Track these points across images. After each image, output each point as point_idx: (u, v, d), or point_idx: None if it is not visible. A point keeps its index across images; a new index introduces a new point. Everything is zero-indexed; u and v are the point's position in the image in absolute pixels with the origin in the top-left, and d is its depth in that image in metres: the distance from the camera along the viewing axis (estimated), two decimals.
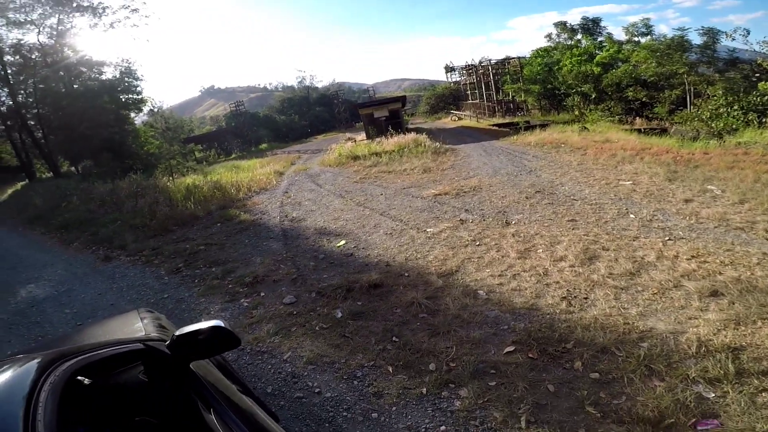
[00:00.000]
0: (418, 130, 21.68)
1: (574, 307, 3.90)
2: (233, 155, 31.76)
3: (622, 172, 8.84)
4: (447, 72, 46.40)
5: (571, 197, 7.48)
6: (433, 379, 3.06)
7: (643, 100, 17.77)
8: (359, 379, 3.25)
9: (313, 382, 3.29)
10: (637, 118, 17.38)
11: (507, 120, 24.08)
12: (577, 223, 6.18)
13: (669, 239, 5.29)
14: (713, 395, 2.57)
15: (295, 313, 4.53)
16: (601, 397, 2.71)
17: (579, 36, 24.44)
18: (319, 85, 54.75)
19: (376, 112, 22.44)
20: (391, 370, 3.28)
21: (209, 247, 7.38)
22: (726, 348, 2.96)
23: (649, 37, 18.92)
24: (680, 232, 5.48)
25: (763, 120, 10.57)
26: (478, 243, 5.81)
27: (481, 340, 3.49)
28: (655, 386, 2.70)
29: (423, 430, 2.66)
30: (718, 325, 3.28)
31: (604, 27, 24.16)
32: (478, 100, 33.97)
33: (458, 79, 44.86)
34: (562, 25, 25.93)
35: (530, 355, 3.21)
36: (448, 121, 34.81)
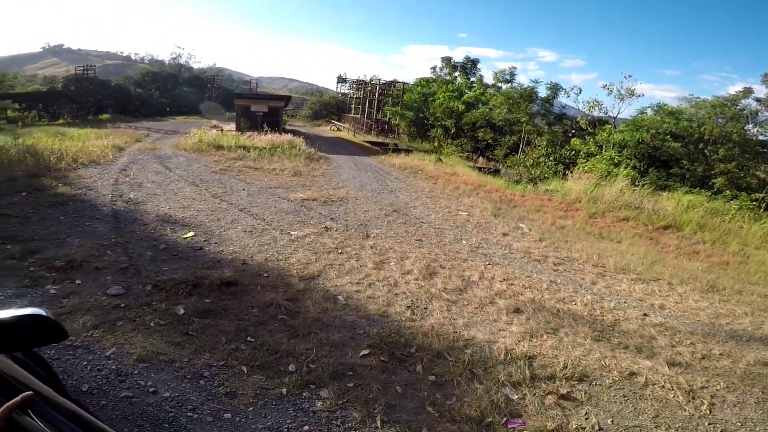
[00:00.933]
0: (295, 133, 21.31)
1: (416, 315, 4.44)
2: (61, 120, 25.42)
3: (461, 203, 10.44)
4: (338, 82, 47.07)
5: (420, 220, 8.47)
6: (294, 380, 3.07)
7: (489, 141, 21.29)
8: (207, 378, 3.03)
9: (146, 381, 2.92)
10: (481, 157, 20.74)
11: (380, 139, 25.67)
12: (422, 242, 7.03)
13: (489, 264, 6.49)
14: (516, 397, 3.25)
15: (122, 306, 3.92)
16: (438, 398, 3.14)
17: (457, 73, 27.99)
18: (196, 66, 48.54)
19: (254, 106, 21.14)
20: (245, 370, 3.16)
21: (5, 219, 5.77)
22: (524, 356, 3.79)
23: (510, 84, 22.90)
24: (497, 259, 6.78)
25: (566, 172, 13.88)
26: (340, 251, 6.06)
27: (339, 343, 3.67)
28: (476, 388, 3.26)
29: (285, 430, 2.65)
30: (518, 336, 4.18)
31: (479, 69, 28.41)
32: (359, 116, 35.16)
33: (347, 91, 45.77)
34: (446, 61, 29.29)
35: (382, 359, 3.52)
36: (327, 130, 35.12)
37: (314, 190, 9.73)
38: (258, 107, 20.91)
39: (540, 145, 15.98)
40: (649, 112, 15.44)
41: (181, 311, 3.92)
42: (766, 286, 6.90)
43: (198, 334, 3.57)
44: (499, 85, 23.64)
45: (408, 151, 19.01)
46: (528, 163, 14.87)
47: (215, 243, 5.90)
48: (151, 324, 3.66)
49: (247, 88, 58.63)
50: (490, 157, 20.74)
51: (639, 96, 14.85)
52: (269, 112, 21.00)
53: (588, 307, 5.27)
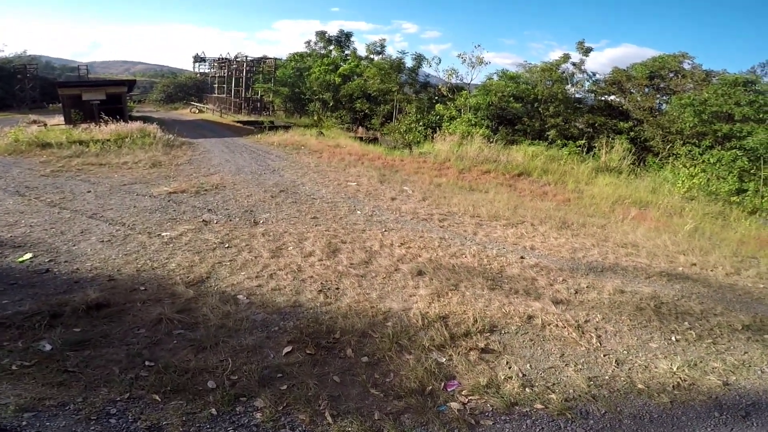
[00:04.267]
0: (146, 119, 18.07)
1: (330, 298, 4.32)
2: None
3: (349, 174, 10.42)
4: (196, 62, 42.73)
5: (312, 196, 8.19)
6: (219, 397, 2.70)
7: (366, 111, 21.56)
8: (117, 416, 2.49)
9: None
10: (360, 127, 20.93)
11: (252, 118, 23.83)
12: (318, 219, 6.84)
13: (385, 230, 6.68)
14: (444, 360, 3.40)
15: None
16: (376, 377, 3.11)
17: (332, 47, 27.11)
18: None
19: (86, 94, 17.10)
20: (158, 398, 2.65)
21: None
22: (438, 317, 4.01)
23: (381, 56, 23.18)
24: (391, 224, 7.01)
25: (434, 135, 14.97)
26: (227, 245, 5.46)
27: (256, 346, 3.33)
28: (408, 360, 3.33)
29: None
30: (428, 299, 4.41)
31: (353, 41, 28.11)
32: (225, 95, 32.51)
33: (207, 71, 42.05)
34: (321, 35, 28.17)
35: (308, 352, 3.32)
36: (186, 113, 31.61)
37: (181, 181, 8.50)
38: (92, 95, 17.09)
39: (410, 113, 16.86)
40: (495, 77, 17.70)
41: (47, 347, 3.12)
42: (600, 217, 8.65)
43: (81, 369, 2.90)
44: (371, 56, 23.89)
45: (286, 127, 17.99)
46: (401, 130, 15.57)
47: (65, 262, 4.73)
48: (14, 368, 2.86)
49: (74, 75, 47.87)
50: (368, 126, 21.12)
51: (487, 63, 16.76)
52: (109, 99, 17.42)
53: (476, 258, 5.85)
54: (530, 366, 3.44)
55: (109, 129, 13.26)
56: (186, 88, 42.78)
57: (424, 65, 19.55)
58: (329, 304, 4.18)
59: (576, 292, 5.07)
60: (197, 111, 31.74)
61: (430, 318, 4.01)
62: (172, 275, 4.52)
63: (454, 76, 17.80)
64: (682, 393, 3.20)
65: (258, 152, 12.50)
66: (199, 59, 42.45)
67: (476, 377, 3.20)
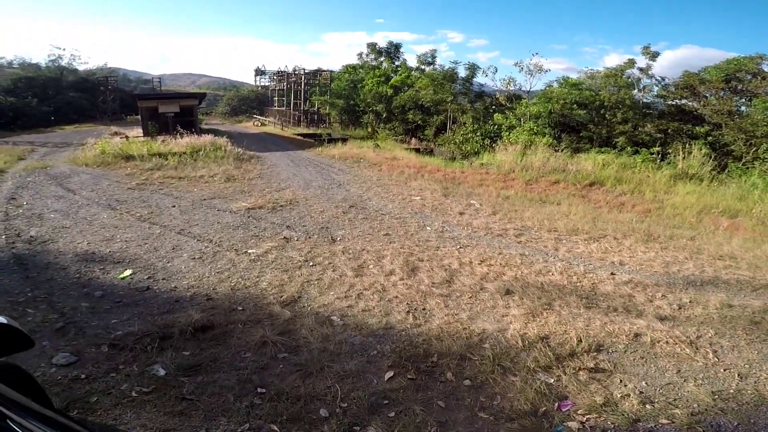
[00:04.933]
0: (215, 132, 19.29)
1: (419, 319, 4.22)
2: None
3: (411, 188, 10.38)
4: (257, 75, 44.16)
5: (380, 212, 8.21)
6: (334, 427, 2.68)
7: (419, 122, 21.58)
8: None
9: None
10: (413, 138, 20.98)
11: (311, 131, 24.52)
12: (391, 236, 6.80)
13: (460, 247, 6.50)
14: (552, 380, 3.25)
15: (83, 377, 3.14)
16: (483, 401, 3.00)
17: (382, 58, 27.69)
18: (82, 68, 40.52)
19: (162, 107, 18.45)
20: (276, 428, 2.68)
21: None
22: (539, 338, 3.82)
23: (432, 66, 23.25)
24: (465, 240, 6.83)
25: (493, 145, 14.63)
26: (311, 263, 5.56)
27: (359, 371, 3.30)
28: (514, 382, 3.20)
29: None
30: (523, 319, 4.21)
31: (402, 53, 28.60)
32: (284, 108, 33.27)
33: (267, 83, 43.40)
34: (372, 47, 28.85)
35: (409, 377, 3.25)
36: (250, 126, 32.80)
37: (256, 196, 8.87)
38: (167, 107, 18.39)
39: (466, 123, 16.60)
40: (555, 85, 17.05)
41: (162, 372, 3.23)
42: (687, 228, 7.94)
43: (198, 396, 2.97)
44: (422, 67, 23.97)
45: (344, 140, 18.41)
46: (458, 140, 15.35)
47: (163, 279, 5.02)
48: (133, 394, 2.96)
49: (148, 87, 51.87)
50: (421, 137, 21.08)
51: (546, 71, 16.19)
52: (182, 111, 18.61)
53: (564, 275, 5.52)
54: (646, 383, 3.28)
55: (184, 142, 14.18)
56: (248, 101, 44.26)
57: (478, 74, 19.26)
58: (419, 326, 4.09)
59: (679, 308, 4.76)
60: (260, 124, 32.80)
61: (530, 339, 3.85)
62: (266, 294, 4.65)
63: (511, 84, 17.40)
64: None
65: (321, 166, 12.82)
66: (259, 72, 43.93)
67: (590, 396, 3.07)
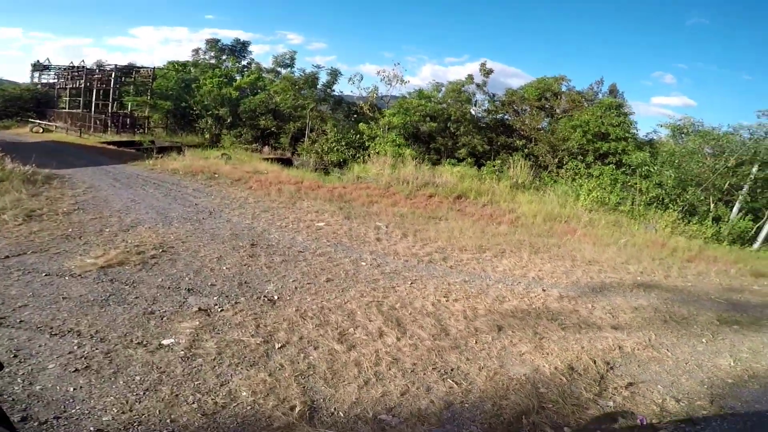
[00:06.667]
0: None
1: (462, 384, 3.69)
2: None
3: (304, 210, 9.08)
4: (35, 71, 34.30)
5: (293, 248, 6.79)
6: None
7: (272, 129, 19.08)
8: None
9: None
10: (266, 146, 18.46)
11: (125, 138, 18.60)
12: (336, 282, 5.67)
13: (411, 283, 6.00)
14: (612, 403, 3.22)
15: None
16: None
17: (225, 57, 23.10)
18: None
19: None
20: None
21: None
22: (567, 369, 3.90)
23: (289, 69, 20.74)
24: (406, 273, 6.36)
25: (357, 155, 14.35)
26: (277, 344, 3.99)
27: None
28: (591, 414, 3.44)
29: None
30: (537, 354, 4.27)
31: (250, 51, 24.69)
32: (80, 111, 25.37)
33: (53, 81, 34.29)
34: (212, 43, 23.90)
35: None
36: (26, 132, 23.90)
37: (100, 244, 5.92)
38: None
39: (329, 131, 15.79)
40: (407, 95, 18.21)
41: None
42: (547, 236, 9.62)
43: None
44: (279, 69, 21.44)
45: (177, 149, 14.57)
46: (321, 150, 14.47)
47: (46, 423, 2.66)
48: None
49: None
50: (275, 145, 18.87)
51: (406, 82, 17.10)
52: None
53: (517, 298, 5.85)
54: (663, 387, 3.73)
55: None
56: (20, 102, 32.59)
57: (340, 81, 18.65)
58: (469, 390, 3.62)
59: (612, 316, 5.72)
60: (41, 130, 24.51)
61: (562, 371, 4.01)
62: (267, 412, 3.02)
63: (375, 93, 17.62)
64: None
65: (165, 185, 9.72)
66: (40, 67, 33.70)
67: (648, 406, 3.61)
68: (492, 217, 10.70)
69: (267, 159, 14.80)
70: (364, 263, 6.53)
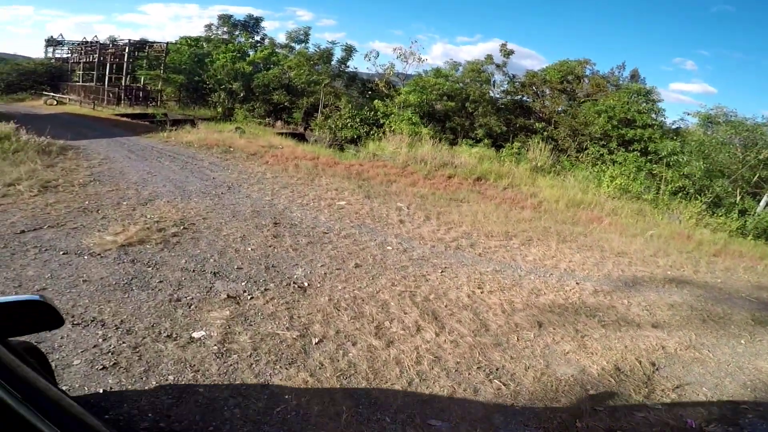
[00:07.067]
0: None
1: (510, 385, 3.49)
2: None
3: (323, 188, 8.76)
4: (49, 46, 35.62)
5: (317, 228, 6.51)
6: None
7: (286, 104, 18.55)
8: None
9: None
10: (279, 121, 17.96)
11: (138, 111, 18.27)
12: (365, 268, 5.42)
13: (441, 271, 5.75)
14: (660, 406, 3.05)
15: None
16: None
17: (238, 32, 22.43)
18: None
19: None
20: None
21: None
22: (614, 369, 3.69)
23: (304, 44, 20.04)
24: (435, 260, 6.10)
25: (371, 132, 13.92)
26: (313, 339, 3.77)
27: None
28: (644, 417, 3.27)
29: None
30: (581, 353, 4.15)
31: (263, 27, 24.27)
32: (94, 84, 25.64)
33: (66, 55, 35.52)
34: (225, 19, 23.33)
35: None
36: (40, 105, 23.76)
37: (118, 219, 5.65)
38: None
39: (343, 107, 15.23)
40: (423, 74, 17.65)
41: None
42: (572, 224, 9.29)
43: None
44: (292, 45, 20.65)
45: (191, 122, 14.07)
46: (335, 125, 13.99)
47: None
48: None
49: None
50: (288, 120, 18.34)
51: (424, 60, 16.54)
52: None
53: (554, 292, 5.62)
54: (707, 389, 3.83)
55: None
56: (36, 76, 32.81)
57: (355, 57, 17.98)
58: (518, 392, 3.47)
59: (649, 313, 5.49)
60: (54, 103, 24.32)
61: (609, 372, 3.90)
62: (312, 418, 2.82)
63: (392, 71, 16.99)
64: None
65: (181, 158, 9.33)
66: (54, 43, 34.56)
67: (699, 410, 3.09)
68: (514, 201, 10.36)
69: (280, 133, 14.29)
70: (390, 247, 6.27)
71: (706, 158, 11.58)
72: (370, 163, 11.26)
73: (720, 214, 11.02)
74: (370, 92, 17.87)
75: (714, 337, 5.02)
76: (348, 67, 18.26)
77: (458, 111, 16.52)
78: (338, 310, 4.30)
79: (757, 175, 11.52)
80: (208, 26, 23.65)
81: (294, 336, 3.75)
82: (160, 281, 4.31)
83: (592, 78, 16.87)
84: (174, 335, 3.51)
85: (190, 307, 3.96)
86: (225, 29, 22.64)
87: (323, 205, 7.63)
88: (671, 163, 12.32)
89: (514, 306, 5.05)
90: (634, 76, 17.80)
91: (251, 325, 3.82)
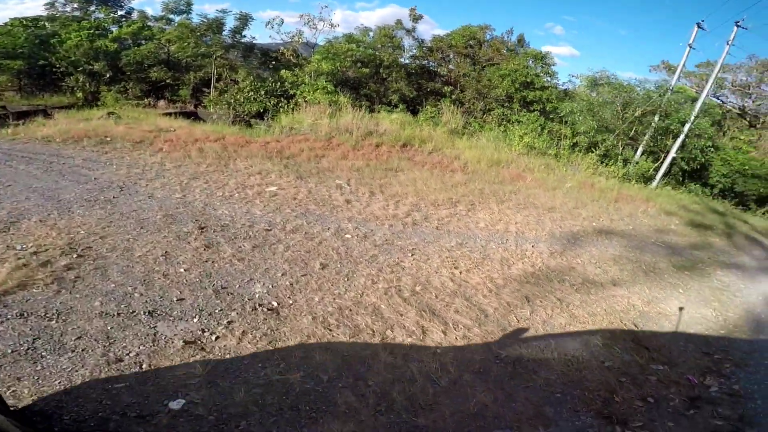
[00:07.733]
0: None
1: (540, 376, 3.30)
2: None
3: (243, 173, 7.44)
4: None
5: (256, 226, 5.45)
6: None
7: (167, 81, 15.20)
8: None
9: None
10: (161, 100, 14.63)
11: None
12: (333, 268, 4.69)
13: (411, 254, 5.38)
14: (662, 367, 3.29)
15: None
16: None
17: (93, 7, 16.78)
18: None
19: None
20: None
21: None
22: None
23: (186, 15, 16.05)
24: (400, 242, 5.68)
25: (280, 105, 12.36)
26: (326, 377, 3.04)
27: None
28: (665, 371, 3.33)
29: None
30: (577, 324, 4.25)
31: (129, 0, 18.58)
32: None
33: None
34: None
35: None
36: None
37: None
38: None
39: (243, 80, 13.04)
40: (332, 40, 16.19)
41: None
42: (499, 183, 9.62)
43: None
44: (171, 17, 16.50)
45: (43, 112, 10.47)
46: (236, 100, 12.00)
47: None
48: None
49: None
50: (172, 99, 15.12)
51: (336, 26, 15.05)
52: None
53: (518, 260, 5.77)
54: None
55: None
56: None
57: (253, 25, 15.41)
58: (548, 380, 3.41)
59: (602, 270, 5.91)
60: None
61: (607, 339, 4.17)
62: None
63: (300, 38, 15.07)
64: None
65: (41, 158, 6.79)
66: None
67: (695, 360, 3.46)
68: (442, 165, 10.31)
69: (167, 114, 11.78)
70: (348, 235, 5.60)
71: (594, 116, 13.08)
72: (289, 138, 10.00)
73: (609, 164, 12.62)
74: (274, 62, 15.94)
75: (660, 289, 5.66)
76: (244, 36, 15.91)
77: (372, 77, 15.76)
78: (330, 330, 3.60)
79: (634, 129, 13.42)
80: (51, 3, 18.18)
81: (298, 377, 2.98)
82: (78, 338, 3.04)
83: (492, 43, 17.52)
84: (143, 414, 2.47)
85: (141, 368, 2.86)
86: (76, 5, 17.62)
87: (251, 195, 6.46)
88: (568, 122, 13.66)
89: (495, 282, 4.96)
90: (521, 41, 18.97)
91: (238, 378, 2.92)
